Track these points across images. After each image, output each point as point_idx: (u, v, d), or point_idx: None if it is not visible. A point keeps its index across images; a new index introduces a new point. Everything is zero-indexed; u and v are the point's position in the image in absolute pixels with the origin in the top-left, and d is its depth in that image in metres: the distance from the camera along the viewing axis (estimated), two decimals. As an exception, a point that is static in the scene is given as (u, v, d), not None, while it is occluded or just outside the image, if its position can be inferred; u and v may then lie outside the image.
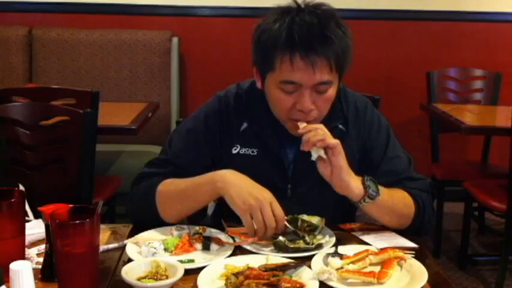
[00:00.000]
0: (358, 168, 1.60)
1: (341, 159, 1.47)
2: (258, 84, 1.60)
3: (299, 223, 1.49)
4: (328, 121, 1.61)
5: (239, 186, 1.47)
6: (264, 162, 1.63)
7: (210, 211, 1.73)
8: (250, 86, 1.68)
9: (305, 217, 1.50)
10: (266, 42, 1.49)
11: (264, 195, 1.45)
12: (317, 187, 1.63)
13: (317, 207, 1.55)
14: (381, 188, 1.51)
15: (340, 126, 1.64)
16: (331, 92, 1.52)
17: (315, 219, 1.50)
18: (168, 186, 1.57)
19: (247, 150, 1.64)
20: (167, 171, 1.62)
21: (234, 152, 1.64)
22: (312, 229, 1.48)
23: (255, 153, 1.64)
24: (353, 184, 1.49)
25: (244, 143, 1.64)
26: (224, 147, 1.65)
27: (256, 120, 1.64)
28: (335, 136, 1.57)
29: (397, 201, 1.56)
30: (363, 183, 1.49)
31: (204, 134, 1.66)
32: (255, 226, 1.43)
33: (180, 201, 1.55)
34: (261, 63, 1.54)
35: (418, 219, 1.58)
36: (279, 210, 1.45)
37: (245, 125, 1.65)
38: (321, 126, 1.49)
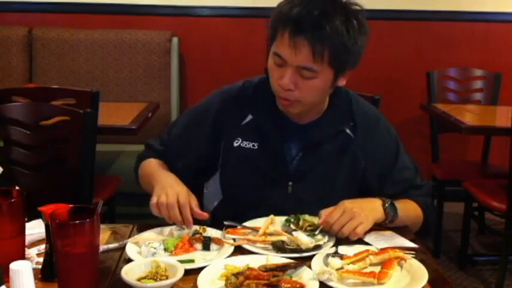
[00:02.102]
0: (363, 175, 1.66)
1: (352, 229, 1.46)
2: None
3: (300, 222, 1.50)
4: (336, 123, 1.63)
5: (161, 185, 1.55)
6: (264, 156, 1.64)
7: (210, 207, 1.73)
8: (259, 81, 1.70)
9: (307, 217, 1.51)
10: (274, 15, 1.53)
11: (175, 187, 1.53)
12: (320, 187, 1.64)
13: (319, 207, 1.54)
14: (398, 207, 1.56)
15: (348, 131, 1.65)
16: (317, 82, 1.51)
17: (316, 219, 1.50)
18: (146, 166, 1.74)
19: (248, 144, 1.65)
20: (161, 150, 1.77)
21: (235, 145, 1.66)
22: (313, 229, 1.48)
23: (256, 147, 1.64)
24: (372, 217, 1.51)
25: (245, 136, 1.65)
26: (226, 140, 1.67)
27: (260, 111, 1.65)
28: (340, 139, 1.62)
29: (411, 215, 1.63)
30: (384, 210, 1.54)
31: (200, 131, 1.70)
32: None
33: (145, 183, 1.70)
34: (270, 35, 1.56)
35: (425, 224, 1.66)
36: (183, 199, 1.49)
37: (249, 117, 1.66)
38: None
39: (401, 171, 1.69)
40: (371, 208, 1.53)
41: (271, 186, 1.64)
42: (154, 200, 1.50)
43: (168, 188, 1.52)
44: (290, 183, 1.64)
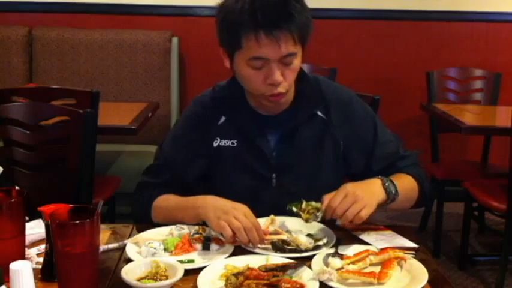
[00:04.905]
0: (344, 157, 1.67)
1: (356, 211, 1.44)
2: (226, 64, 1.63)
3: (303, 206, 1.49)
4: (308, 106, 1.65)
5: (215, 207, 1.48)
6: (245, 152, 1.65)
7: None
8: (228, 82, 1.72)
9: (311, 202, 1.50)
10: (231, 22, 1.52)
11: (237, 207, 1.46)
12: (305, 176, 1.65)
13: (307, 197, 1.53)
14: (396, 184, 1.56)
15: (320, 113, 1.66)
16: (297, 62, 1.55)
17: (319, 205, 1.48)
18: (162, 203, 1.64)
19: (227, 142, 1.66)
20: (163, 180, 1.69)
21: (214, 145, 1.67)
22: (316, 211, 1.47)
23: (235, 144, 1.66)
24: (376, 200, 1.50)
25: (223, 135, 1.67)
26: (206, 143, 1.68)
27: (234, 110, 1.67)
28: (315, 123, 1.63)
29: (408, 189, 1.62)
30: (385, 189, 1.54)
31: (188, 137, 1.70)
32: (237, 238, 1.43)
33: (171, 218, 1.59)
34: (228, 43, 1.57)
35: (422, 195, 1.67)
36: (253, 219, 1.45)
37: (223, 118, 1.68)
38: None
39: (384, 145, 1.70)
40: (373, 190, 1.52)
41: (256, 181, 1.66)
42: (222, 223, 1.42)
43: (231, 210, 1.45)
44: (274, 175, 1.65)
